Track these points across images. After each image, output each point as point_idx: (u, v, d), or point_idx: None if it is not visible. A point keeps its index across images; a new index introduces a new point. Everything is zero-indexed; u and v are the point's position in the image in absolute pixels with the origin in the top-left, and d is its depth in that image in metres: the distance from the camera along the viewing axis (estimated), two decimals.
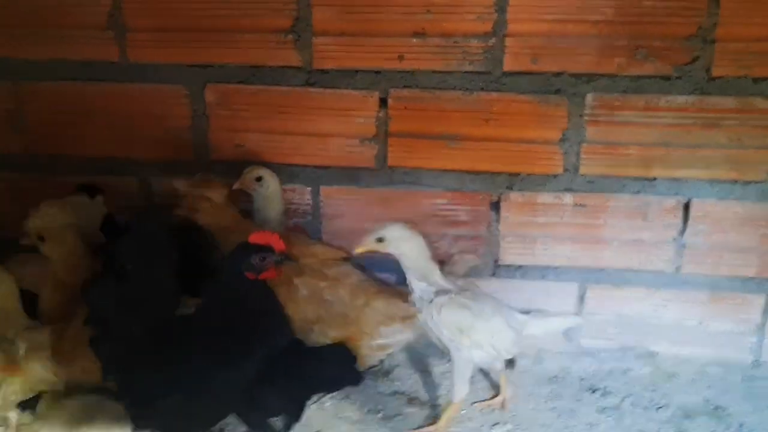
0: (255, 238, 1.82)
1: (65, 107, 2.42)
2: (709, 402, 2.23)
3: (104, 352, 1.85)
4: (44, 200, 2.17)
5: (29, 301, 2.09)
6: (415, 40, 2.20)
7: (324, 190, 2.44)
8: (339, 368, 2.04)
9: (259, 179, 2.26)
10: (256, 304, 1.86)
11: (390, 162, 2.36)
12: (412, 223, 1.97)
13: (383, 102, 2.30)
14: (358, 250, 1.96)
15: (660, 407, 2.21)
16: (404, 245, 1.94)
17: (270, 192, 2.29)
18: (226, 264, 1.83)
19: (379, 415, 2.19)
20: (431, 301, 1.97)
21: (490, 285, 2.44)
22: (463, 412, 2.21)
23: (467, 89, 2.24)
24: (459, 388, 2.02)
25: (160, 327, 1.87)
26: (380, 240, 1.93)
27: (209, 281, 1.87)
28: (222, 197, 2.22)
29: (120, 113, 2.41)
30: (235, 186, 2.27)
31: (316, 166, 2.41)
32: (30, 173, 2.52)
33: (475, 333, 1.96)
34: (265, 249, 1.79)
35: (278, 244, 1.81)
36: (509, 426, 2.13)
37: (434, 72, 2.24)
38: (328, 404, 2.23)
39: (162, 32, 2.31)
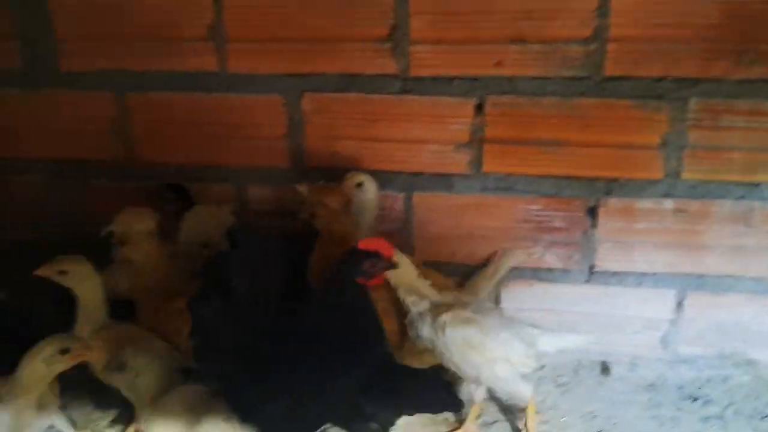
0: (364, 244, 1.82)
1: (167, 117, 2.48)
2: None
3: (208, 363, 1.86)
4: (141, 207, 2.24)
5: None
6: (513, 46, 2.19)
7: (417, 196, 2.44)
8: (439, 391, 2.06)
9: (359, 185, 2.27)
10: (362, 311, 1.88)
11: (485, 168, 2.35)
12: None
13: (479, 108, 2.29)
14: None
15: (765, 416, 2.16)
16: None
17: (368, 198, 2.30)
18: (340, 270, 1.85)
19: (479, 420, 2.19)
20: (432, 320, 1.94)
21: (584, 291, 2.42)
22: (563, 419, 2.19)
23: (566, 95, 2.22)
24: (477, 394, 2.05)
25: (267, 333, 1.88)
26: None
27: (320, 287, 1.89)
28: (339, 204, 2.23)
29: (219, 122, 2.46)
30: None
31: (409, 173, 2.42)
32: (130, 181, 2.58)
33: (487, 349, 1.93)
34: (375, 255, 1.80)
35: (387, 249, 1.82)
36: None
37: (533, 78, 2.22)
38: None
39: (261, 43, 2.34)
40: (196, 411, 1.80)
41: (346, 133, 2.41)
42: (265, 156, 2.48)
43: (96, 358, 1.90)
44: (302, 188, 2.26)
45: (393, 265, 1.88)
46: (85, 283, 2.02)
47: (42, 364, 1.76)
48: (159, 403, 1.82)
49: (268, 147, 2.47)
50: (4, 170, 2.63)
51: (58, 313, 2.17)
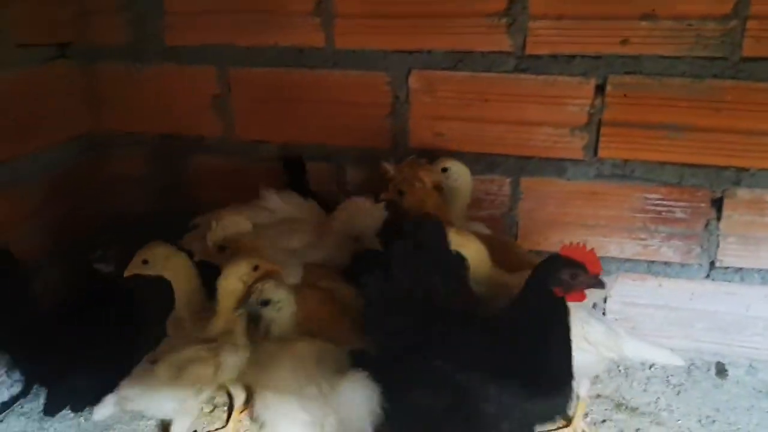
0: (568, 251, 1.58)
1: (269, 93, 2.43)
2: None
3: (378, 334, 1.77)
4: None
5: None
6: (643, 23, 2.03)
7: (524, 181, 2.32)
8: None
9: (445, 170, 2.15)
10: (553, 326, 1.59)
11: (601, 153, 2.20)
12: None
13: (599, 89, 2.14)
14: None
15: None
16: None
17: (456, 186, 2.18)
18: (535, 275, 1.60)
19: (588, 419, 2.06)
20: None
21: (704, 287, 2.25)
22: (678, 422, 2.05)
23: (698, 76, 2.04)
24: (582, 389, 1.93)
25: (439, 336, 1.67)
26: None
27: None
28: (431, 181, 2.14)
29: (321, 100, 2.39)
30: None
31: (518, 156, 2.29)
32: (230, 157, 2.55)
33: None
34: (578, 266, 1.55)
35: (594, 264, 1.56)
36: None
37: (661, 57, 2.05)
38: None
39: (369, 18, 2.25)
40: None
41: (453, 113, 2.30)
42: (367, 136, 2.40)
43: (278, 271, 1.90)
44: (389, 167, 2.17)
45: (599, 284, 1.58)
46: (169, 266, 1.97)
47: (238, 281, 1.85)
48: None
49: (370, 127, 2.38)
50: (108, 144, 2.64)
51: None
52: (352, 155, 2.45)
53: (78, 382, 1.98)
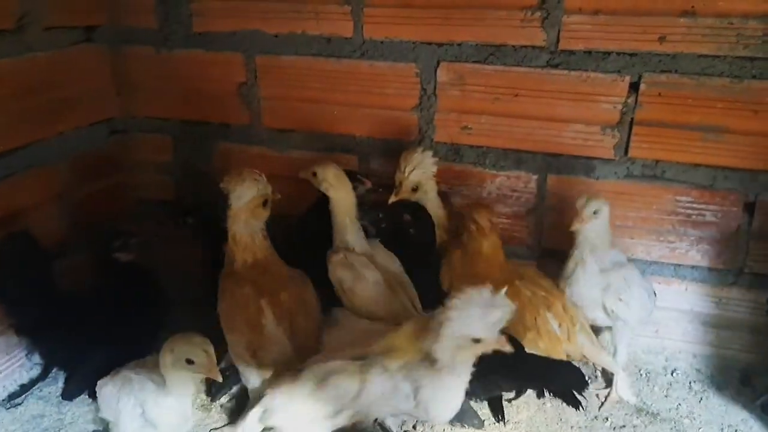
0: None
1: (296, 82, 2.34)
2: None
3: None
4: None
5: None
6: (682, 20, 1.91)
7: (551, 179, 2.22)
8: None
9: (595, 212, 1.94)
10: None
11: (632, 153, 2.10)
12: None
13: (634, 87, 2.02)
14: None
15: None
16: None
17: (603, 220, 1.99)
18: None
19: (607, 423, 1.98)
20: None
21: (731, 293, 2.14)
22: (700, 430, 1.95)
23: (737, 76, 1.93)
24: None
25: None
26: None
27: None
28: (489, 223, 2.03)
29: (348, 90, 2.30)
30: (574, 227, 1.96)
31: (546, 153, 2.19)
32: (256, 146, 2.47)
33: None
34: None
35: None
36: None
37: (700, 56, 1.94)
38: (549, 406, 2.04)
39: (399, 8, 2.15)
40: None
41: (481, 107, 2.20)
42: (393, 128, 2.31)
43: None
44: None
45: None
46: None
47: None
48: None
49: (397, 119, 2.29)
50: (135, 129, 2.57)
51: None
52: (378, 147, 2.35)
53: (96, 367, 1.92)
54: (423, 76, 2.21)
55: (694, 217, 2.10)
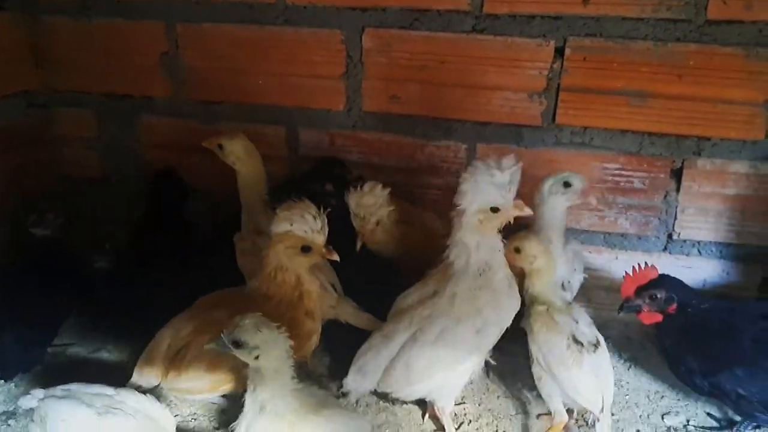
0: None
1: (219, 51, 2.21)
2: None
3: None
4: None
5: None
6: None
7: (481, 148, 2.14)
8: None
9: (567, 185, 1.82)
10: None
11: (559, 119, 2.02)
12: None
13: (559, 52, 1.95)
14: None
15: None
16: None
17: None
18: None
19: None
20: None
21: (661, 260, 2.09)
22: (627, 396, 1.90)
23: (660, 39, 1.86)
24: None
25: None
26: None
27: None
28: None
29: (273, 59, 2.18)
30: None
31: (475, 122, 2.11)
32: (181, 119, 2.33)
33: None
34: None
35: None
36: None
37: (624, 19, 1.87)
38: None
39: None
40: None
41: (409, 75, 2.10)
42: (320, 98, 2.20)
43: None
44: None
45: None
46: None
47: None
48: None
49: (324, 87, 2.18)
50: (55, 102, 2.41)
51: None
52: (306, 118, 2.24)
53: (5, 347, 1.79)
54: (349, 43, 2.10)
55: (622, 184, 2.05)
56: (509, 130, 2.08)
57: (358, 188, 1.88)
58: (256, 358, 1.37)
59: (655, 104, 1.93)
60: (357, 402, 1.77)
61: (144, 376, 1.64)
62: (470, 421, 1.80)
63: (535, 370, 1.67)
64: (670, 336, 1.64)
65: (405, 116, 2.15)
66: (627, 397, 1.91)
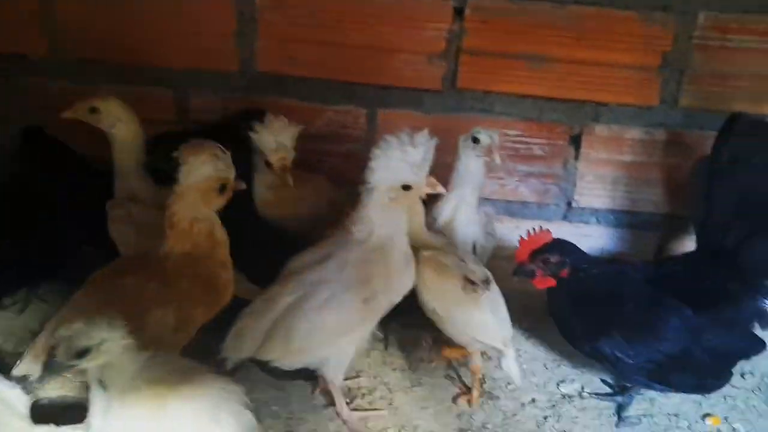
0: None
1: (97, 7, 2.02)
2: None
3: None
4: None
5: None
6: None
7: (381, 113, 2.05)
8: None
9: (476, 140, 1.75)
10: None
11: (460, 83, 1.97)
12: None
13: (458, 13, 1.88)
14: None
15: (744, 373, 1.86)
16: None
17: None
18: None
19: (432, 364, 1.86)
20: None
21: (561, 229, 2.07)
22: (525, 366, 1.87)
23: (560, 2, 1.83)
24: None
25: None
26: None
27: None
28: None
29: (158, 13, 2.01)
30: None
31: (374, 86, 2.02)
32: (58, 79, 2.13)
33: None
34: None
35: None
36: None
37: None
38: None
39: None
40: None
41: (306, 35, 1.99)
42: (211, 58, 2.05)
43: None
44: None
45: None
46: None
47: None
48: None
49: (215, 47, 2.04)
50: None
51: None
52: (196, 80, 2.09)
53: None
54: None
55: (522, 151, 2.01)
56: (410, 95, 2.01)
57: (269, 121, 1.76)
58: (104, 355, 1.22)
59: (555, 68, 1.90)
60: (235, 371, 1.66)
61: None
62: (363, 394, 1.73)
63: (434, 318, 1.62)
64: (560, 300, 1.62)
65: (302, 79, 2.04)
66: (525, 366, 1.88)
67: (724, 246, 1.53)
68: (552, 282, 1.60)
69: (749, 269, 1.50)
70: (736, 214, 1.51)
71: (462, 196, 1.79)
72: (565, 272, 1.57)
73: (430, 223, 1.79)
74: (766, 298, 1.53)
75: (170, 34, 2.03)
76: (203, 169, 1.43)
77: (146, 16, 2.02)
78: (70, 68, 2.11)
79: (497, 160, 1.76)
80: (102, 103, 1.72)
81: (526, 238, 1.62)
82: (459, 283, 1.56)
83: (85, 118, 1.73)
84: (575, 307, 1.57)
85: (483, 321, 1.57)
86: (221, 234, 1.53)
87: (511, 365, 1.61)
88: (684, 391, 1.66)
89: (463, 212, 1.81)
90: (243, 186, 1.53)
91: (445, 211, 1.83)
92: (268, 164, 1.79)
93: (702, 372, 1.54)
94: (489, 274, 1.62)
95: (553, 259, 1.58)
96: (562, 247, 1.60)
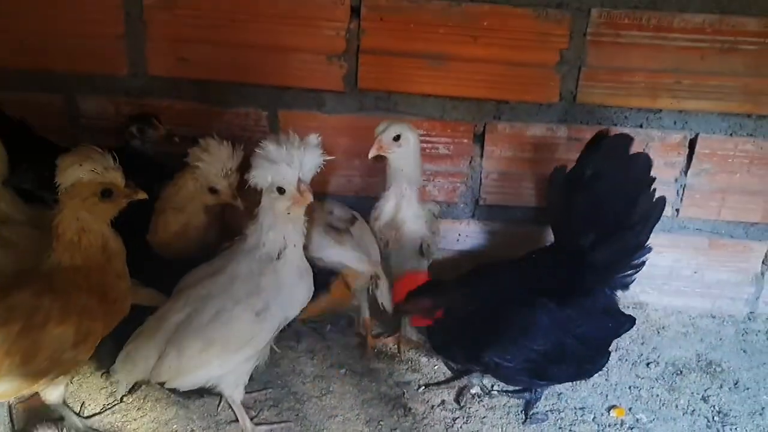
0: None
1: None
2: (702, 357, 1.95)
3: None
4: None
5: None
6: None
7: (283, 114, 2.01)
8: None
9: (397, 138, 1.73)
10: None
11: (361, 84, 1.94)
12: None
13: (355, 11, 1.85)
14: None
15: (650, 363, 1.92)
16: None
17: (411, 148, 1.76)
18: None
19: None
20: None
21: (470, 227, 2.08)
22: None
23: (456, 0, 1.81)
24: None
25: None
26: None
27: None
28: None
29: (41, 14, 1.90)
30: (372, 153, 1.73)
31: (274, 87, 1.97)
32: None
33: None
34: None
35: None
36: None
37: None
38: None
39: None
40: None
41: (198, 35, 1.91)
42: (99, 61, 1.95)
43: None
44: None
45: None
46: None
47: None
48: None
49: (103, 49, 1.94)
50: None
51: None
52: (85, 84, 1.98)
53: None
54: None
55: (428, 150, 2.00)
56: (311, 96, 1.97)
57: (210, 147, 1.70)
58: None
59: (455, 67, 1.89)
60: (130, 392, 1.59)
61: None
62: (270, 406, 1.69)
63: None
64: (438, 336, 1.65)
65: (197, 81, 1.97)
66: (436, 367, 1.88)
67: (580, 246, 1.62)
68: (429, 322, 1.62)
69: (600, 267, 1.60)
70: (591, 221, 1.62)
71: (400, 192, 1.78)
72: (439, 313, 1.58)
73: (372, 224, 1.82)
74: (614, 290, 1.66)
75: (56, 36, 1.92)
76: (76, 173, 1.34)
77: (28, 18, 1.90)
78: None
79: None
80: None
81: (402, 280, 1.66)
82: (321, 230, 1.70)
83: None
84: (454, 338, 1.59)
85: (346, 253, 1.71)
86: (116, 245, 1.43)
87: (384, 293, 1.77)
88: (568, 380, 1.74)
89: (405, 208, 1.80)
90: (142, 196, 1.43)
91: (386, 209, 1.82)
92: (213, 191, 1.72)
93: (579, 360, 1.59)
94: (356, 214, 1.82)
95: (425, 304, 1.59)
96: (434, 290, 1.61)
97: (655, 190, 1.62)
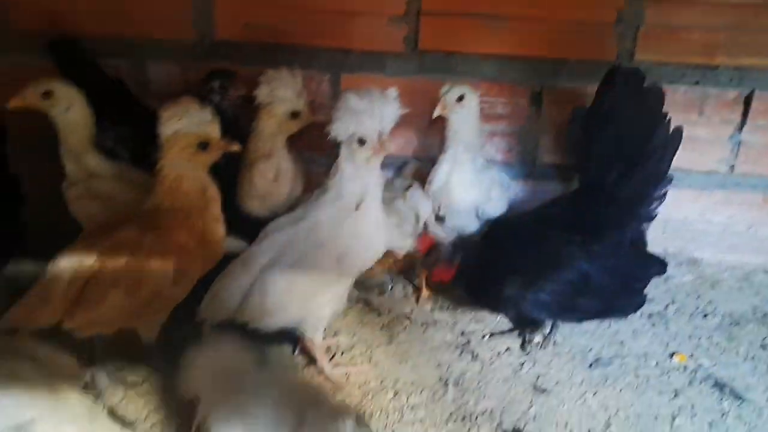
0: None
1: None
2: (758, 310, 1.99)
3: None
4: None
5: None
6: None
7: (345, 78, 2.06)
8: None
9: (460, 98, 1.81)
10: None
11: (421, 45, 2.00)
12: None
13: None
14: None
15: (707, 314, 1.96)
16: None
17: (472, 111, 1.84)
18: None
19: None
20: None
21: (526, 187, 2.14)
22: None
23: None
24: None
25: None
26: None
27: None
28: None
29: None
30: (436, 113, 1.82)
31: (336, 49, 2.03)
32: (8, 55, 2.06)
33: None
34: None
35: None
36: None
37: None
38: None
39: None
40: None
41: (264, 0, 1.98)
42: (168, 26, 2.03)
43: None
44: None
45: None
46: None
47: None
48: None
49: (171, 14, 2.01)
50: None
51: None
52: (153, 50, 2.06)
53: None
54: None
55: (485, 111, 2.05)
56: (372, 58, 2.03)
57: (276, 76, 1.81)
58: None
59: (513, 27, 1.96)
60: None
61: (35, 317, 1.35)
62: (343, 352, 1.76)
63: None
64: (462, 282, 1.78)
65: (262, 44, 2.03)
66: (499, 319, 1.94)
67: (605, 182, 1.71)
68: (449, 275, 1.76)
69: (627, 199, 1.69)
70: (611, 156, 1.70)
71: (454, 157, 1.83)
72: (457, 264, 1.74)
73: (426, 187, 1.88)
74: (640, 223, 1.75)
75: (124, 3, 2.00)
76: (176, 125, 1.43)
77: None
78: (21, 41, 2.05)
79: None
80: (59, 86, 1.66)
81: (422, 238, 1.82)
82: None
83: (37, 106, 1.65)
84: (479, 281, 1.72)
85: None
86: (213, 191, 1.54)
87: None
88: (597, 317, 1.81)
89: (458, 174, 1.84)
90: (236, 148, 1.53)
91: (440, 174, 1.86)
92: (294, 115, 1.83)
93: (606, 295, 1.67)
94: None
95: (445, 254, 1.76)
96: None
97: (670, 120, 1.68)
